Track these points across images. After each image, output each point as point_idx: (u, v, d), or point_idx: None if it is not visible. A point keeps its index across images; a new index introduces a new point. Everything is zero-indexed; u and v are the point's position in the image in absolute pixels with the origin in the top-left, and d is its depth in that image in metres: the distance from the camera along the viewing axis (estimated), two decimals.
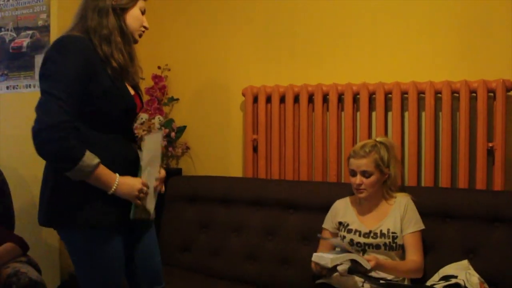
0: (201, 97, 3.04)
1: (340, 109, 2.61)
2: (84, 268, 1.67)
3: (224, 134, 2.96)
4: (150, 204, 1.73)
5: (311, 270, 2.17)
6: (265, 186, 2.58)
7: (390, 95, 2.49)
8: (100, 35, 1.63)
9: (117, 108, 1.66)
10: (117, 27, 1.67)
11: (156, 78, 2.98)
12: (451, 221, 2.17)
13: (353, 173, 2.07)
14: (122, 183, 1.60)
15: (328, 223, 2.20)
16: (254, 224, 2.50)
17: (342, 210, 2.17)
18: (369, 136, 2.50)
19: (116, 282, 1.69)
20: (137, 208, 1.66)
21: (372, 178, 2.04)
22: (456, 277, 1.95)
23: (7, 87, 2.81)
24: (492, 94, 2.32)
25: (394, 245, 2.02)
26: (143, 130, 2.77)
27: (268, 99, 2.73)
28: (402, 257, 2.05)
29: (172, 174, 2.78)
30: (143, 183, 1.65)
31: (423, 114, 2.44)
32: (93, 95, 1.59)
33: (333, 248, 2.07)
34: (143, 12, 1.76)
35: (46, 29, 2.68)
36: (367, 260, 1.87)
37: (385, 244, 2.02)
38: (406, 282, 2.03)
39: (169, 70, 3.04)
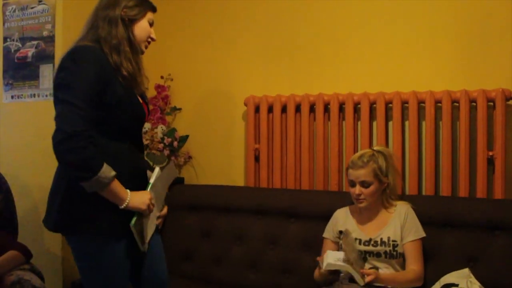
0: (204, 106, 3.06)
1: (341, 119, 2.63)
2: (90, 275, 1.70)
3: (226, 144, 2.98)
4: (149, 230, 1.75)
5: (313, 279, 2.19)
6: (267, 195, 2.60)
7: (390, 105, 2.51)
8: (110, 44, 1.68)
9: (129, 116, 1.71)
10: (126, 37, 1.71)
11: (159, 88, 3.01)
12: (451, 229, 2.18)
13: (352, 184, 2.08)
14: (133, 197, 1.64)
15: (329, 233, 2.21)
16: (256, 233, 2.52)
17: (342, 219, 2.18)
18: (370, 145, 2.51)
19: (121, 286, 1.72)
20: (138, 220, 1.67)
21: (371, 188, 2.05)
22: (457, 285, 1.96)
23: (12, 96, 2.84)
24: (491, 104, 2.34)
25: (394, 253, 2.03)
26: (146, 139, 2.79)
27: (270, 109, 2.75)
28: (403, 265, 2.06)
29: (174, 183, 2.80)
30: (151, 196, 1.70)
31: (424, 123, 2.46)
32: (107, 103, 1.63)
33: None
34: (151, 24, 1.81)
35: (51, 39, 2.72)
36: (367, 274, 1.88)
37: (385, 252, 2.02)
38: None
39: (171, 80, 3.06)
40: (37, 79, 2.76)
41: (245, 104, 2.82)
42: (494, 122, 2.33)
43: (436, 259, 2.14)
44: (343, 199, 2.29)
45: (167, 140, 2.87)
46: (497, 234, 2.10)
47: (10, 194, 2.44)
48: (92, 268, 1.68)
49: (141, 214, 1.69)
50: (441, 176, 2.42)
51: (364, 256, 2.05)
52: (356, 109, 2.59)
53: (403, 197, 2.25)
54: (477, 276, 1.99)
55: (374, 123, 2.56)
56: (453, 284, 1.97)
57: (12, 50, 2.84)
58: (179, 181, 2.98)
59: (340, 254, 1.91)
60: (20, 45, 2.82)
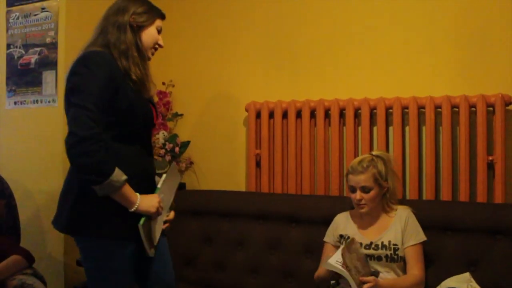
0: (205, 112, 3.08)
1: (342, 124, 2.65)
2: (96, 276, 1.72)
3: (228, 149, 2.99)
4: (156, 233, 1.78)
5: (314, 283, 2.20)
6: (268, 200, 2.61)
7: (391, 110, 2.53)
8: (119, 49, 1.71)
9: (139, 120, 1.74)
10: (134, 43, 1.75)
11: (161, 94, 3.03)
12: (452, 234, 2.18)
13: (353, 189, 2.09)
14: (143, 201, 1.67)
15: (329, 237, 2.21)
16: (257, 238, 2.52)
17: (343, 223, 2.19)
18: (371, 151, 2.52)
19: None
20: (147, 221, 1.70)
21: (372, 193, 2.06)
22: None
23: (15, 103, 2.87)
24: (491, 109, 2.36)
25: (395, 256, 2.03)
26: None
27: (271, 115, 2.77)
28: (404, 269, 2.06)
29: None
30: (160, 199, 1.73)
31: (424, 128, 2.47)
32: (118, 107, 1.66)
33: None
34: (159, 31, 1.85)
35: (54, 46, 2.74)
36: (366, 281, 1.87)
37: (386, 256, 2.03)
38: None
39: (173, 86, 3.08)
40: (40, 86, 2.79)
41: (246, 110, 2.84)
42: (493, 127, 2.34)
43: (437, 264, 2.14)
44: (344, 203, 2.29)
45: (169, 146, 2.89)
46: (497, 238, 2.11)
47: (13, 199, 2.46)
48: (98, 269, 1.71)
49: (150, 217, 1.71)
50: (441, 180, 2.43)
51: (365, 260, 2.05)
52: (357, 115, 2.61)
53: (403, 201, 2.26)
54: (478, 280, 2.00)
55: (375, 128, 2.58)
56: None
57: (16, 57, 2.86)
58: (180, 186, 2.98)
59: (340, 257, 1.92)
60: (23, 52, 2.85)
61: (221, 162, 3.00)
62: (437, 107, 2.43)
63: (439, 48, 2.51)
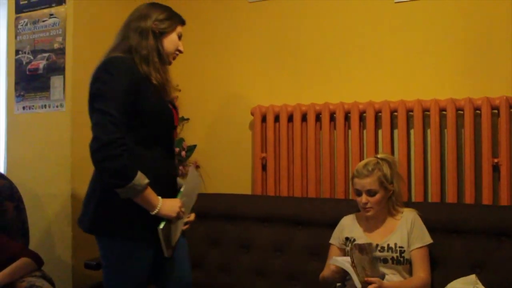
0: (211, 117, 3.10)
1: (347, 127, 2.66)
2: (112, 274, 1.77)
3: (234, 153, 3.01)
4: (175, 235, 1.81)
5: (319, 285, 2.21)
6: (274, 203, 2.62)
7: (395, 113, 2.54)
8: (140, 54, 1.75)
9: (161, 123, 1.78)
10: (155, 48, 1.79)
11: None
12: (458, 236, 2.19)
13: (359, 193, 2.09)
14: (164, 204, 1.71)
15: (335, 239, 2.22)
16: (263, 241, 2.54)
17: (349, 226, 2.20)
18: (376, 154, 2.53)
19: None
20: (167, 224, 1.73)
21: (378, 196, 2.06)
22: None
23: (24, 108, 2.90)
24: (496, 111, 2.36)
25: (401, 259, 2.04)
26: None
27: (276, 118, 2.79)
28: (410, 271, 2.07)
29: None
30: (182, 204, 1.76)
31: (429, 131, 2.48)
32: (140, 110, 1.70)
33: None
34: (179, 37, 1.89)
35: (61, 51, 2.78)
36: (370, 282, 1.88)
37: (392, 258, 2.04)
38: None
39: (179, 90, 3.10)
40: (48, 91, 2.82)
41: (252, 114, 2.86)
42: (498, 130, 2.35)
43: (442, 266, 2.15)
44: (349, 206, 2.30)
45: (176, 150, 2.91)
46: (503, 240, 2.11)
47: (22, 203, 2.49)
48: (115, 269, 1.76)
49: (170, 220, 1.75)
50: (446, 183, 2.44)
51: None
52: (362, 118, 2.62)
53: (408, 203, 2.26)
54: (484, 282, 1.99)
55: (380, 131, 2.59)
56: None
57: (24, 63, 2.90)
58: None
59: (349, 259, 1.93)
60: (32, 58, 2.88)
61: (227, 165, 3.02)
62: (442, 110, 2.44)
63: (443, 51, 2.52)
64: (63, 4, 2.78)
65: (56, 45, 2.81)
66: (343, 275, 1.98)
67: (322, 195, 2.68)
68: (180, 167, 2.98)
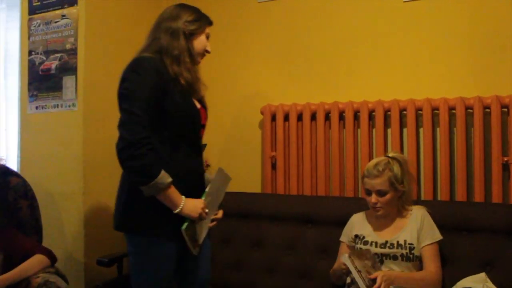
0: (221, 116, 3.12)
1: (356, 126, 2.67)
2: (139, 269, 1.81)
3: (243, 152, 3.03)
4: (200, 233, 1.84)
5: (330, 283, 2.22)
6: (284, 201, 2.64)
7: (405, 112, 2.55)
8: (171, 55, 1.79)
9: (186, 122, 1.81)
10: (186, 49, 1.83)
11: None
12: (467, 234, 2.19)
13: (369, 192, 2.10)
14: (187, 204, 1.74)
15: (345, 236, 2.24)
16: (273, 238, 2.56)
17: (358, 223, 2.21)
18: (385, 152, 2.53)
19: (162, 285, 1.82)
20: (191, 225, 1.76)
21: (387, 196, 2.07)
22: None
23: (36, 107, 2.94)
24: (505, 110, 2.36)
25: (411, 256, 2.04)
26: None
27: (286, 117, 2.81)
28: (420, 268, 2.07)
29: None
30: (205, 204, 1.79)
31: (438, 130, 2.49)
32: (166, 110, 1.74)
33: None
34: (207, 37, 1.93)
35: (73, 51, 2.81)
36: (374, 276, 1.89)
37: (402, 255, 2.04)
38: None
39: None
40: (61, 90, 2.85)
41: (262, 113, 2.88)
42: (508, 128, 2.35)
43: (452, 264, 2.15)
44: (359, 204, 2.32)
45: None
46: None
47: (35, 201, 2.52)
48: (141, 264, 1.80)
49: (193, 220, 1.78)
50: (456, 182, 2.44)
51: (381, 259, 2.06)
52: (371, 117, 2.63)
53: (418, 201, 2.27)
54: (494, 280, 2.00)
55: (389, 130, 2.60)
56: None
57: (37, 63, 2.94)
58: None
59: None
60: (44, 58, 2.92)
61: (237, 164, 3.04)
62: (451, 108, 2.44)
63: (452, 50, 2.53)
64: (75, 5, 2.82)
65: (68, 46, 2.84)
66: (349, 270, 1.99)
67: (332, 193, 2.69)
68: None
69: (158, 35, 1.84)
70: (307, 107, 2.74)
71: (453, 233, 2.19)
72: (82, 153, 2.75)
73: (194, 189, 1.84)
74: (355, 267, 1.89)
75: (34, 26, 2.97)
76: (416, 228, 2.08)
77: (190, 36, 1.86)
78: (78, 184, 2.75)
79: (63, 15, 2.87)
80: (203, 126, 1.97)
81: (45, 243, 2.49)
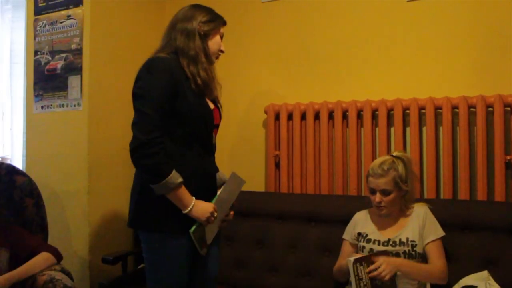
0: (225, 115, 3.08)
1: (360, 125, 2.68)
2: (153, 266, 1.83)
3: (247, 150, 3.05)
4: (210, 234, 1.86)
5: (333, 281, 2.23)
6: (287, 200, 2.65)
7: (408, 111, 2.56)
8: (188, 55, 1.81)
9: (198, 123, 1.83)
10: (202, 49, 1.85)
11: None
12: (470, 232, 2.20)
13: (373, 191, 2.11)
14: (197, 206, 1.76)
15: (348, 234, 2.25)
16: (277, 237, 2.57)
17: (361, 221, 2.22)
18: (388, 151, 2.55)
19: (178, 281, 1.83)
20: (199, 227, 1.79)
21: (391, 196, 2.08)
22: (476, 287, 1.98)
23: (42, 107, 2.96)
24: (508, 108, 2.37)
25: (413, 253, 2.05)
26: None
27: (290, 116, 2.82)
28: None
29: None
30: (214, 209, 1.80)
31: (441, 129, 2.50)
32: (178, 110, 1.76)
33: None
34: (221, 37, 1.95)
35: (79, 51, 2.83)
36: (378, 264, 1.91)
37: (404, 252, 2.05)
38: None
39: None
40: (66, 90, 2.88)
41: (266, 112, 2.89)
42: (511, 127, 2.36)
43: (455, 262, 2.16)
44: (362, 203, 2.32)
45: None
46: None
47: (41, 199, 2.54)
48: (156, 261, 1.82)
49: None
50: (459, 180, 2.45)
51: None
52: (374, 116, 2.64)
53: (421, 200, 2.28)
54: (496, 278, 2.01)
55: (392, 129, 2.61)
56: (472, 286, 1.99)
57: (43, 63, 2.96)
58: None
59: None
60: (50, 58, 2.95)
61: (241, 163, 3.05)
62: (454, 107, 2.45)
63: (455, 49, 2.53)
64: (80, 5, 2.84)
65: (73, 46, 2.87)
66: None
67: (335, 192, 2.70)
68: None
69: (173, 36, 1.86)
70: (310, 106, 2.75)
71: (455, 231, 2.20)
72: (87, 152, 2.78)
73: (205, 189, 1.86)
74: (356, 275, 1.90)
75: (40, 27, 2.99)
76: (418, 225, 2.09)
77: (205, 36, 1.88)
78: (83, 183, 2.77)
79: (69, 16, 2.89)
80: (216, 126, 1.98)
81: (50, 241, 2.51)
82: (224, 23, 1.98)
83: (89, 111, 2.79)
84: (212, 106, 1.92)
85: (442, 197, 2.49)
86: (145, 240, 1.84)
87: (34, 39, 3.01)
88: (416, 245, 2.06)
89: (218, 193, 1.88)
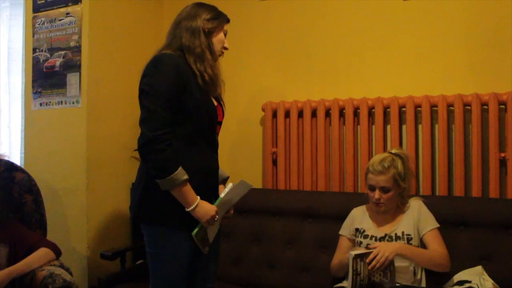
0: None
1: (356, 123, 2.71)
2: (156, 261, 1.85)
3: (245, 148, 3.07)
4: (212, 233, 1.88)
5: (329, 276, 2.26)
6: (284, 196, 2.68)
7: (404, 109, 2.58)
8: (194, 53, 1.84)
9: (204, 119, 1.84)
10: (207, 46, 1.87)
11: None
12: (465, 228, 2.23)
13: (372, 188, 2.13)
14: (200, 206, 1.78)
15: (345, 230, 2.27)
16: (274, 233, 2.59)
17: (359, 217, 2.25)
18: (384, 149, 2.58)
19: (180, 275, 1.84)
20: (201, 229, 1.81)
21: (390, 193, 2.10)
22: (470, 282, 2.01)
23: (40, 104, 2.98)
24: (503, 106, 2.40)
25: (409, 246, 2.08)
26: None
27: (287, 114, 2.84)
28: None
29: None
30: (216, 211, 1.82)
31: (436, 126, 2.52)
32: (185, 107, 1.77)
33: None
34: (225, 34, 1.97)
35: (77, 49, 2.85)
36: (376, 252, 1.95)
37: None
38: (423, 285, 2.08)
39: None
40: (64, 87, 2.89)
41: (263, 110, 2.91)
42: (506, 125, 2.38)
43: (450, 257, 2.17)
44: (358, 199, 2.35)
45: None
46: (509, 233, 2.16)
47: (40, 195, 2.56)
48: (158, 255, 1.83)
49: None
50: (454, 177, 2.47)
51: None
52: (371, 113, 2.66)
53: (416, 195, 2.30)
54: (490, 273, 2.04)
55: (388, 127, 2.63)
56: (466, 281, 2.02)
57: (41, 60, 2.98)
58: None
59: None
60: (49, 55, 2.96)
61: (238, 160, 3.07)
62: (450, 105, 2.48)
63: (451, 47, 2.56)
64: (79, 3, 2.85)
65: (72, 43, 2.88)
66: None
67: (332, 189, 2.73)
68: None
69: (178, 34, 1.88)
70: (307, 104, 2.77)
71: (450, 227, 2.23)
72: (86, 149, 2.79)
73: (207, 185, 1.87)
74: (354, 269, 1.92)
75: (39, 24, 3.00)
76: (413, 218, 2.12)
77: (210, 34, 1.90)
78: (81, 180, 2.79)
79: (67, 13, 2.90)
80: (219, 123, 2.01)
81: (49, 237, 2.53)
82: (227, 20, 1.99)
83: (88, 108, 2.81)
84: (215, 103, 1.94)
85: (437, 193, 2.51)
86: (148, 234, 1.85)
87: (33, 36, 3.02)
88: (411, 238, 2.09)
89: (222, 195, 1.89)
